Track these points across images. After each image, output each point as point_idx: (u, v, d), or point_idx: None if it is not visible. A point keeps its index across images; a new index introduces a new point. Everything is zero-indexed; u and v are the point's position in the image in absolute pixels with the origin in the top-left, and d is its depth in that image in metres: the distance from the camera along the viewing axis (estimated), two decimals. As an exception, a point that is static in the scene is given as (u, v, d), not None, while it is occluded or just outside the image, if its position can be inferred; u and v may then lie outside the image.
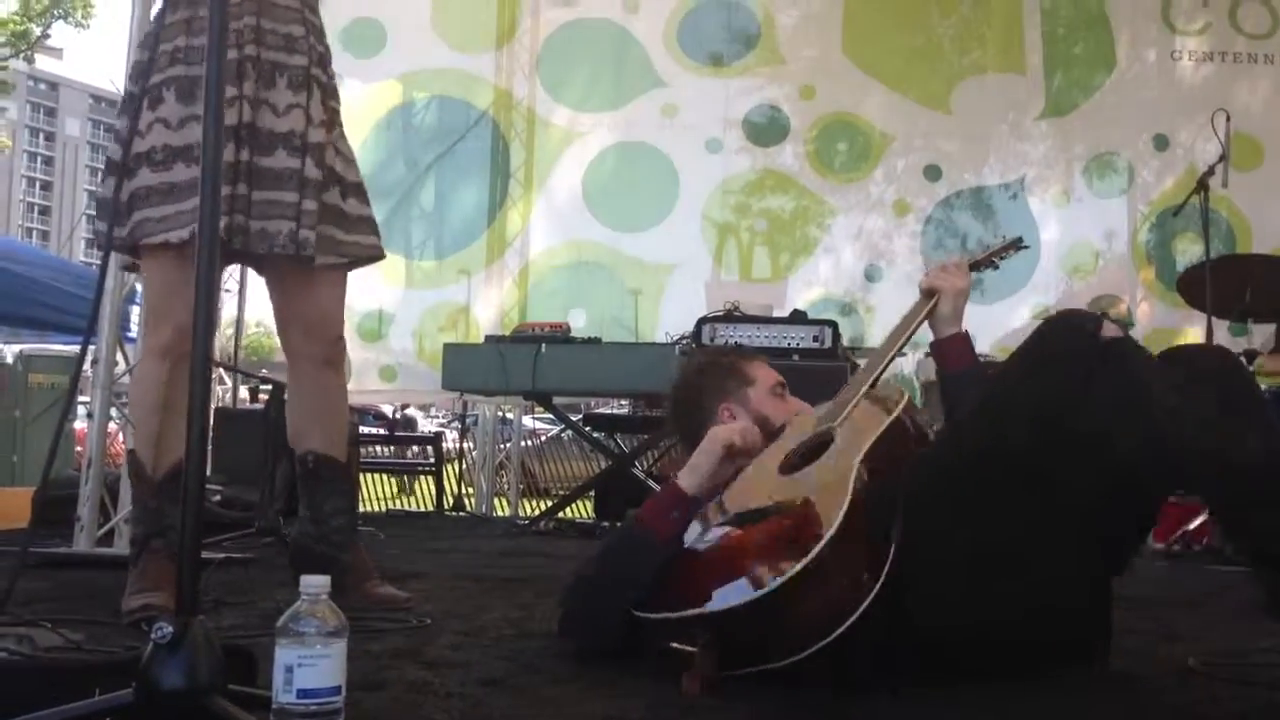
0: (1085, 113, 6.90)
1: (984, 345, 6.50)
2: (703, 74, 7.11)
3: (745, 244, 7.08)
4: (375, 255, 2.70)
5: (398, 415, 11.56)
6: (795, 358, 4.61)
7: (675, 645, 1.87)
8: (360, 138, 7.09)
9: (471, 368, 5.48)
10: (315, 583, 1.43)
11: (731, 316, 4.86)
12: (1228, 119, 4.48)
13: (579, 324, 6.35)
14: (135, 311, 5.02)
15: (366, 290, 6.41)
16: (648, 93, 7.08)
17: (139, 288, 4.90)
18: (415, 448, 9.02)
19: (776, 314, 5.30)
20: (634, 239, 6.97)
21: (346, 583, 2.51)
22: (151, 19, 2.58)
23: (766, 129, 7.10)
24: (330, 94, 2.62)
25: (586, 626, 2.10)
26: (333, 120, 2.60)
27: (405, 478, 9.37)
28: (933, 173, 6.99)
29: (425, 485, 8.46)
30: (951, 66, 7.00)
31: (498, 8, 7.09)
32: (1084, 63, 6.95)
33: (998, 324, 6.59)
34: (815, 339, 4.68)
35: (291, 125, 2.47)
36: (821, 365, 4.54)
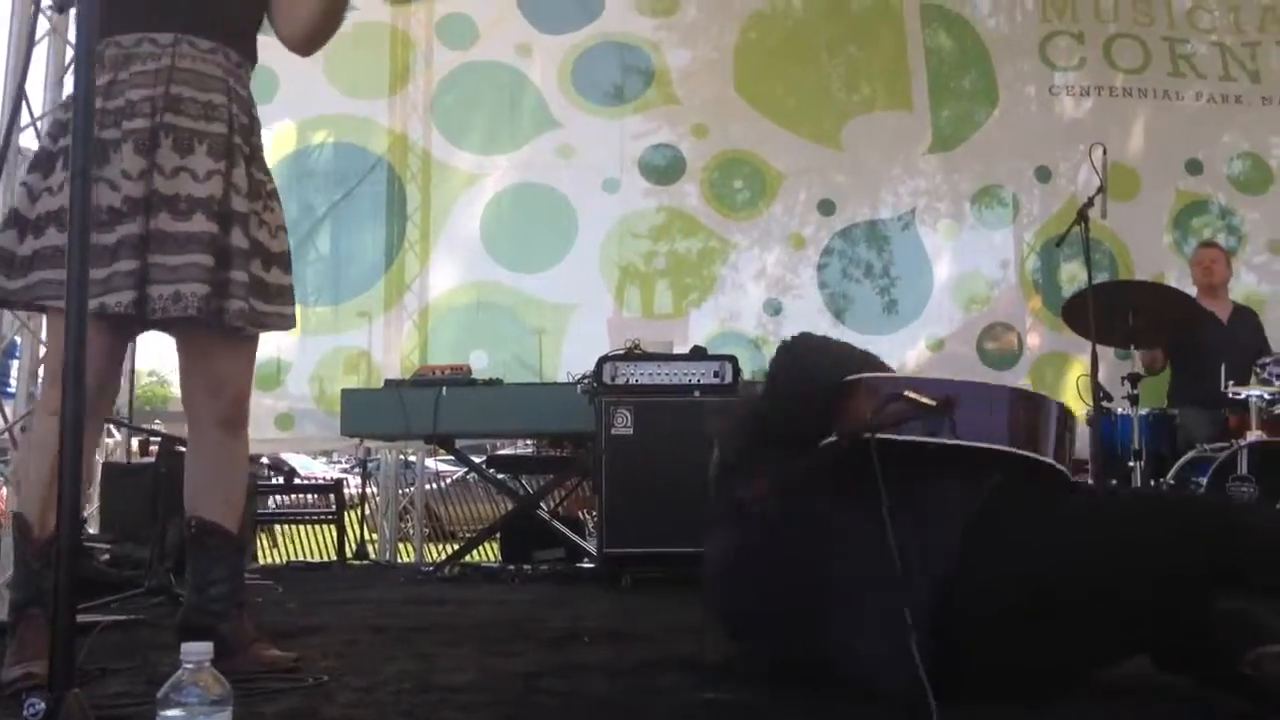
0: (971, 146, 7.10)
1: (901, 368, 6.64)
2: (598, 114, 7.14)
3: (646, 281, 7.11)
4: (290, 325, 2.71)
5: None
6: (696, 394, 4.63)
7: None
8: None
9: (371, 412, 5.40)
10: (196, 650, 1.38)
11: (632, 355, 4.86)
12: (1104, 151, 4.61)
13: (481, 365, 6.30)
14: (14, 366, 4.87)
15: (263, 339, 6.28)
16: (543, 134, 7.09)
17: (18, 340, 4.75)
18: (314, 495, 8.82)
19: (678, 350, 5.32)
20: (534, 279, 6.95)
21: (231, 648, 2.45)
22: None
23: (663, 168, 7.15)
24: (256, 164, 2.60)
25: None
26: (257, 190, 2.58)
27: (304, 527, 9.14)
28: (827, 207, 7.11)
29: (327, 534, 8.28)
30: (841, 104, 7.15)
31: (390, 52, 7.05)
32: (968, 98, 7.17)
33: (892, 357, 6.70)
34: (716, 375, 4.71)
35: (211, 191, 2.45)
36: (724, 400, 4.55)
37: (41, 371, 4.09)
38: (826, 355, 2.47)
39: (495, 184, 7.09)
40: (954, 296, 7.01)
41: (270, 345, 6.51)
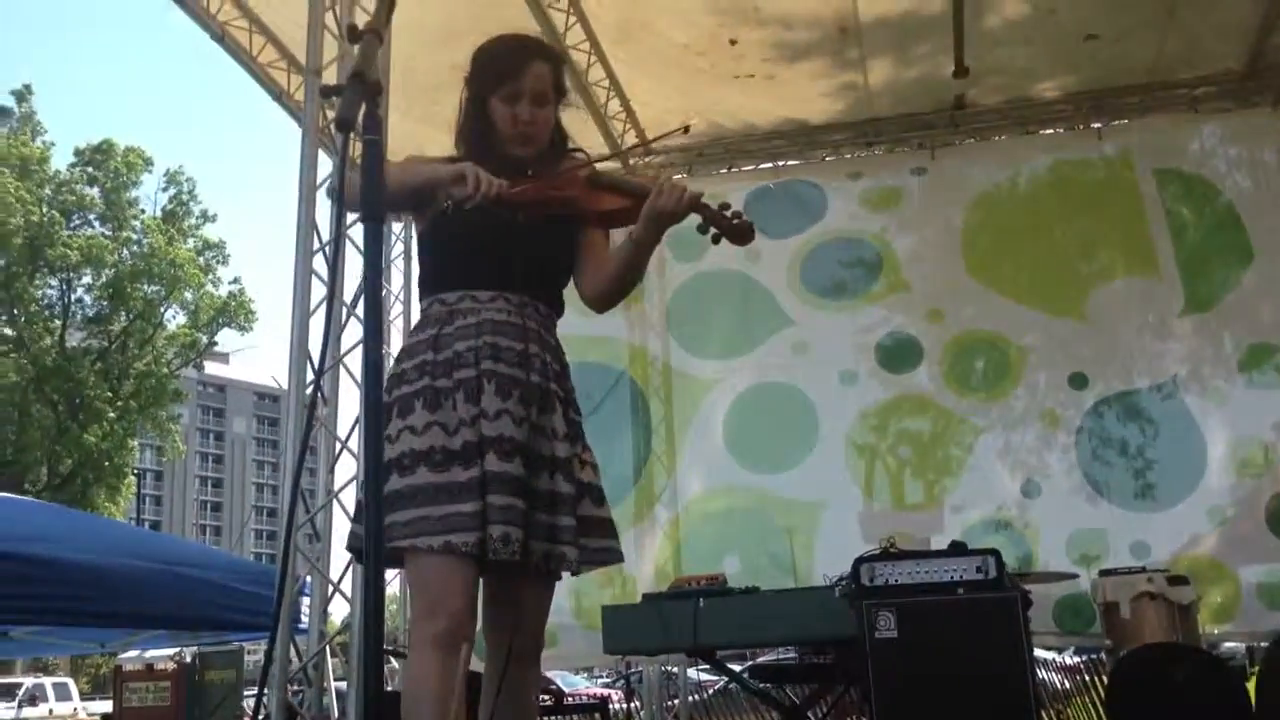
0: (1230, 305, 6.73)
1: (1162, 556, 6.17)
2: (829, 308, 7.21)
3: (894, 472, 6.97)
4: (620, 558, 2.73)
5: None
6: (960, 591, 4.43)
7: None
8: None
9: (632, 628, 5.40)
10: None
11: (889, 554, 4.71)
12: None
13: (734, 570, 6.26)
14: (305, 603, 5.15)
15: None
16: (777, 333, 7.20)
17: (308, 579, 5.06)
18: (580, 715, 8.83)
19: (935, 545, 5.14)
20: (780, 478, 6.94)
21: None
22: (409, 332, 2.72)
23: (898, 355, 7.10)
24: (572, 407, 2.71)
25: None
26: (576, 432, 2.68)
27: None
28: (1079, 380, 6.83)
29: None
30: (1081, 275, 6.96)
31: (634, 270, 7.40)
32: (1219, 257, 6.83)
33: (1173, 532, 6.28)
34: (979, 570, 4.49)
35: (523, 437, 2.54)
36: (989, 597, 4.34)
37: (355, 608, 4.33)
38: None
39: (734, 387, 7.20)
40: (1231, 466, 6.52)
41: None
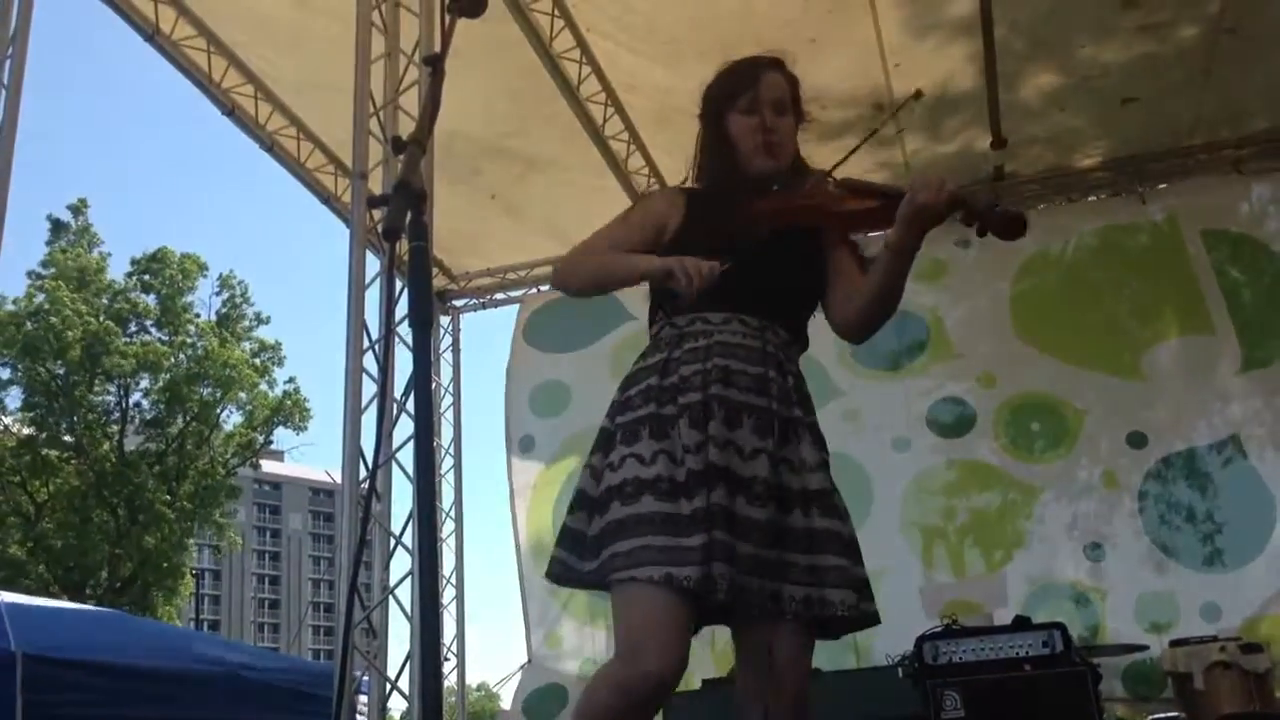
0: (1290, 360, 6.62)
1: (1233, 621, 6.00)
2: (880, 378, 7.18)
3: (952, 540, 6.87)
4: (877, 620, 2.45)
5: None
6: (1027, 668, 4.34)
7: None
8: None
9: (692, 717, 5.33)
10: None
11: (951, 631, 4.64)
12: None
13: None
14: (362, 700, 5.14)
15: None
16: (827, 404, 7.14)
17: (365, 678, 5.05)
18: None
19: (999, 619, 5.04)
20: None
21: None
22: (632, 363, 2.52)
23: (951, 420, 7.05)
24: (817, 441, 2.45)
25: None
26: (826, 468, 2.44)
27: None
28: (1137, 439, 6.72)
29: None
30: (1134, 337, 6.90)
31: (670, 343, 7.44)
32: (1272, 312, 6.74)
33: (1243, 597, 6.11)
34: (1045, 644, 4.41)
35: (755, 471, 2.32)
36: (1057, 672, 4.25)
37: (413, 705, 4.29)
38: None
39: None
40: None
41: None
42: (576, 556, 2.36)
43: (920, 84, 6.31)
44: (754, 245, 2.38)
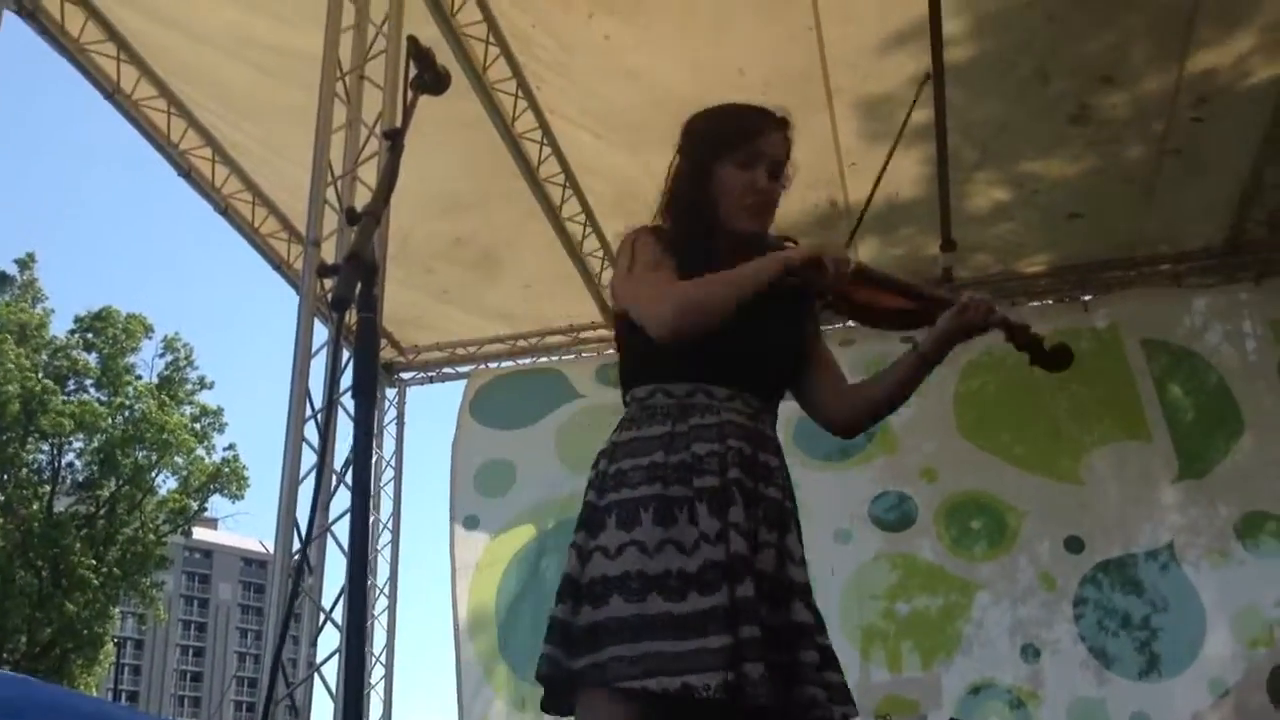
0: (1223, 472, 6.69)
1: (1163, 731, 6.01)
2: (825, 469, 7.17)
3: (892, 639, 6.85)
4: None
5: None
6: (963, 770, 4.30)
7: None
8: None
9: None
10: None
11: (888, 732, 4.60)
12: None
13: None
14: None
15: None
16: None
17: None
18: None
19: (931, 714, 5.02)
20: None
21: None
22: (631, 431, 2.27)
23: (893, 514, 7.08)
24: (800, 531, 2.34)
25: None
26: (803, 559, 2.31)
27: None
28: (1074, 544, 6.77)
29: None
30: (1074, 441, 6.97)
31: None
32: (1208, 425, 6.84)
33: (1175, 704, 6.14)
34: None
35: (764, 565, 2.19)
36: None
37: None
38: None
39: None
40: (1233, 637, 6.38)
41: None
42: (564, 652, 2.11)
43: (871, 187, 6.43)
44: (765, 318, 2.24)
